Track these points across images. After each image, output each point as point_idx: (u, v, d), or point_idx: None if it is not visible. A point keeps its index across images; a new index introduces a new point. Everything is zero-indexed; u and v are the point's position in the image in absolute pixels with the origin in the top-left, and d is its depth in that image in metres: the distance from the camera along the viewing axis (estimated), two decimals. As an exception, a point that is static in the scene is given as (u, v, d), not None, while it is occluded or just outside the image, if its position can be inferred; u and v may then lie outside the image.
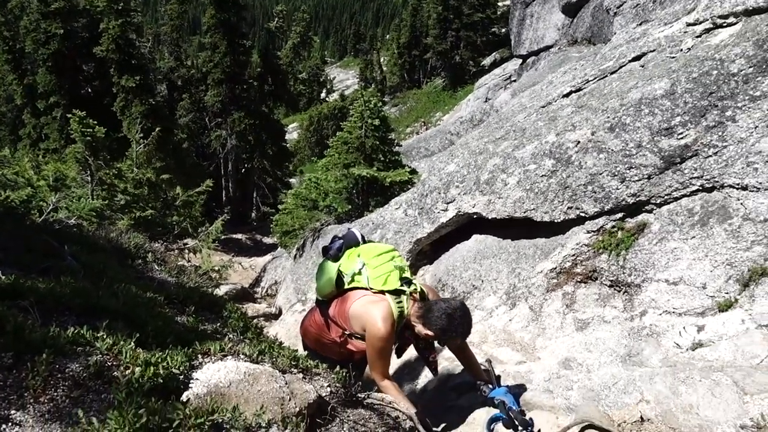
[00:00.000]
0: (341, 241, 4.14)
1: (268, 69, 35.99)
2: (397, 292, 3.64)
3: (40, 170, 11.69)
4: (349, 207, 12.40)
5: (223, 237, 18.40)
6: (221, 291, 10.52)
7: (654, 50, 6.47)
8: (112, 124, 21.62)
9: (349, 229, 4.34)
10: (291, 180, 34.73)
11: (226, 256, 18.40)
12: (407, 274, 3.83)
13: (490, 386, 3.88)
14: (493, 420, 3.73)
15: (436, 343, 3.93)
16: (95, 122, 12.55)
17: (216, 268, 11.43)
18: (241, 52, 32.18)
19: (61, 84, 27.97)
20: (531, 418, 3.60)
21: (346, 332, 3.82)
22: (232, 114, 31.97)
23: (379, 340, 3.53)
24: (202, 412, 2.18)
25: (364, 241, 4.14)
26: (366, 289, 3.74)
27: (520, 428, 3.52)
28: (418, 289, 3.72)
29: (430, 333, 3.52)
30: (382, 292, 3.65)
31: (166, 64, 35.18)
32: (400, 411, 3.37)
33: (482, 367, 3.96)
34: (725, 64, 5.10)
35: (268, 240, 26.61)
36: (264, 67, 35.81)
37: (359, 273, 3.80)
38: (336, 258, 4.04)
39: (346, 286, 3.86)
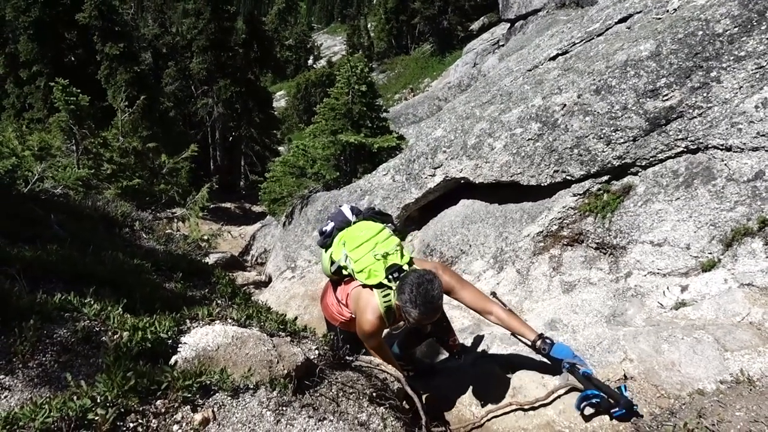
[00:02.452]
0: (332, 224, 4.05)
1: (254, 35, 35.53)
2: (382, 286, 3.49)
3: (25, 140, 11.59)
4: (337, 174, 12.36)
5: (211, 206, 18.39)
6: (210, 259, 10.56)
7: (640, 11, 6.45)
8: (96, 93, 21.43)
9: (339, 208, 4.21)
10: (279, 148, 34.57)
11: (215, 225, 18.38)
12: (397, 260, 3.56)
13: (548, 341, 3.54)
14: (584, 399, 3.32)
15: (453, 325, 3.93)
16: (79, 91, 12.44)
17: (205, 237, 11.45)
18: (225, 18, 31.78)
19: (43, 52, 27.62)
20: (623, 386, 3.31)
21: (353, 314, 3.78)
22: (218, 82, 31.69)
23: (364, 331, 3.54)
24: (190, 374, 2.21)
25: (358, 217, 4.06)
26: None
27: (617, 409, 3.20)
28: None
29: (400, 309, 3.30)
30: (370, 286, 3.55)
31: (151, 31, 34.68)
32: (388, 373, 3.40)
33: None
34: (710, 24, 5.09)
35: (257, 208, 26.60)
36: (249, 34, 35.36)
37: (345, 266, 3.73)
38: (325, 245, 4.00)
39: (344, 273, 3.82)
